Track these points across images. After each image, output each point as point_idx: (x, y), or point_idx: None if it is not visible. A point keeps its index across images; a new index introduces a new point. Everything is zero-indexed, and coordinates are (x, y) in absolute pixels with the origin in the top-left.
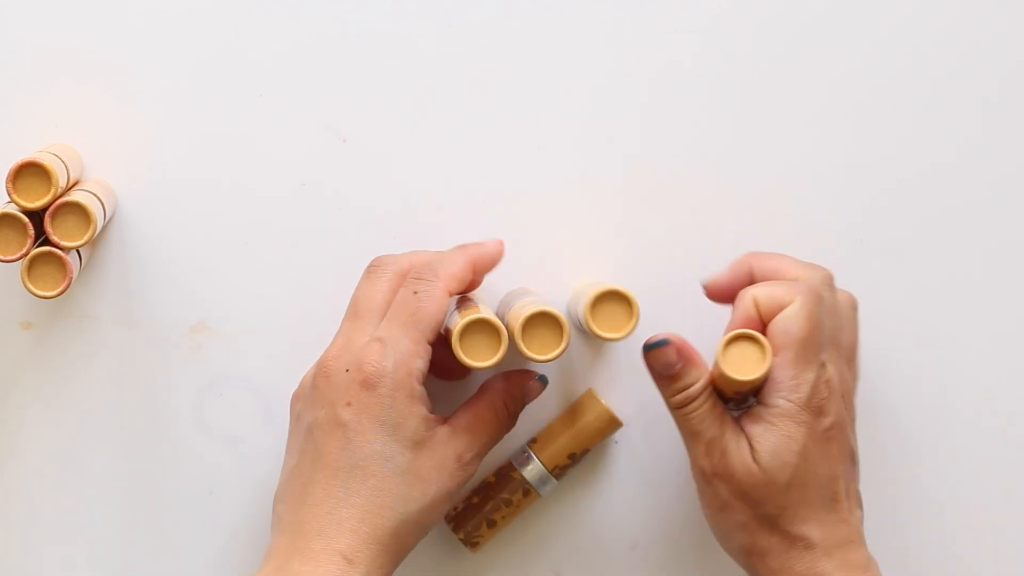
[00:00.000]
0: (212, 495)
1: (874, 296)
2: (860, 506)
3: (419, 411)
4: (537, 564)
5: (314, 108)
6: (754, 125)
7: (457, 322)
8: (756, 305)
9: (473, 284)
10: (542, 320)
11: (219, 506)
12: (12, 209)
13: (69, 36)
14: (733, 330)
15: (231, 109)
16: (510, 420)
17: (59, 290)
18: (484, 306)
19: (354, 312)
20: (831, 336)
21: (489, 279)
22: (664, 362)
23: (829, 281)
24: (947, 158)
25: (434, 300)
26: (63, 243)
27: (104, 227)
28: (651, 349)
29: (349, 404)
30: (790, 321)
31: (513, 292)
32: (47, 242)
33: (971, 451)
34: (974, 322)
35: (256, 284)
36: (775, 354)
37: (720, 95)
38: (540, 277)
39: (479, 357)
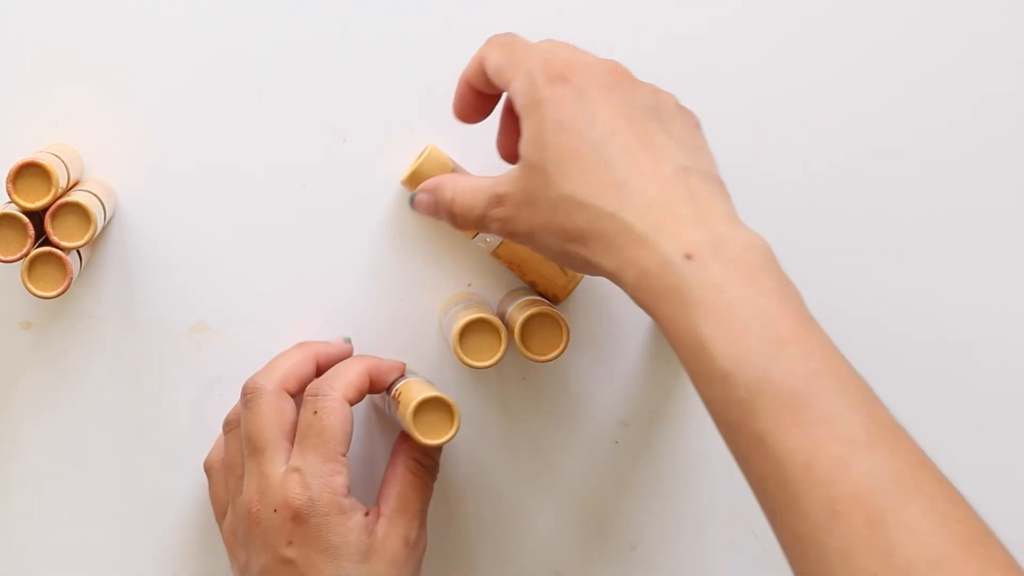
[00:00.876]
0: None
1: (874, 296)
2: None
3: (355, 523)
4: (537, 564)
5: (314, 108)
6: (755, 125)
7: (458, 322)
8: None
9: (374, 389)
10: (542, 320)
11: None
12: (12, 209)
13: (69, 36)
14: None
15: (231, 109)
16: (433, 470)
17: (59, 290)
18: (420, 381)
19: (253, 448)
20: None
21: (489, 280)
22: (425, 214)
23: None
24: (948, 158)
25: (337, 415)
26: (63, 243)
27: (104, 227)
28: (413, 207)
29: (290, 543)
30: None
31: (513, 292)
32: (47, 242)
33: (972, 451)
34: (974, 322)
35: (256, 284)
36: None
37: (720, 95)
38: None
39: (479, 357)
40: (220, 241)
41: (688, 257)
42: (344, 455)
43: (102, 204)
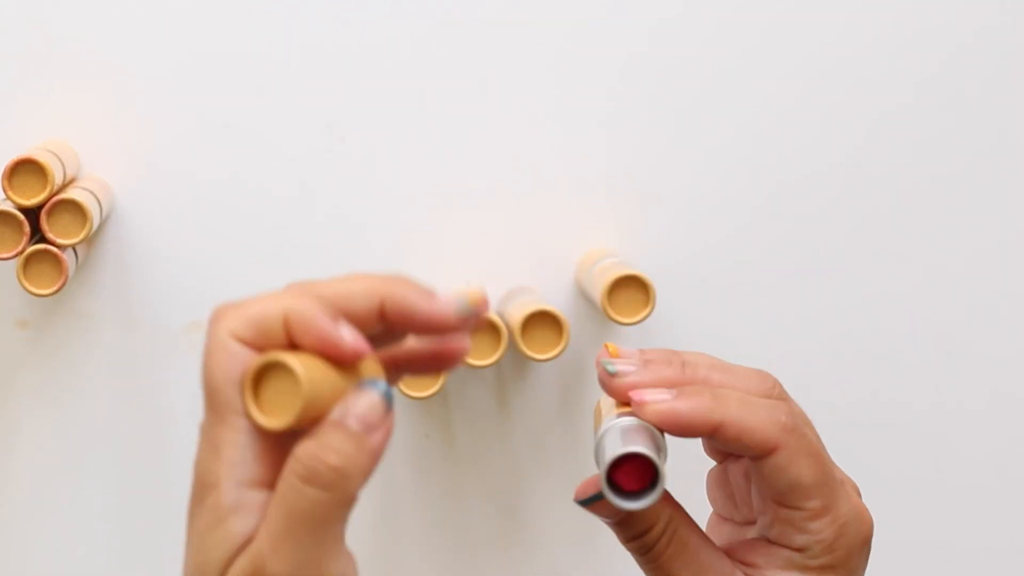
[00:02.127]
0: None
1: (874, 296)
2: None
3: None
4: (538, 564)
5: (313, 107)
6: (755, 125)
7: None
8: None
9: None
10: (542, 319)
11: None
12: (8, 206)
13: (66, 34)
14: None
15: (229, 108)
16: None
17: (55, 288)
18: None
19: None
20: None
21: (489, 278)
22: (605, 514)
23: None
24: (948, 157)
25: (212, 356)
26: (59, 241)
27: (100, 225)
28: (587, 505)
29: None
30: (789, 472)
31: (512, 291)
32: (43, 240)
33: (972, 452)
34: (975, 322)
35: (253, 283)
36: (787, 504)
37: (721, 94)
38: (540, 276)
39: (480, 356)
40: (217, 239)
41: None
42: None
43: (98, 201)
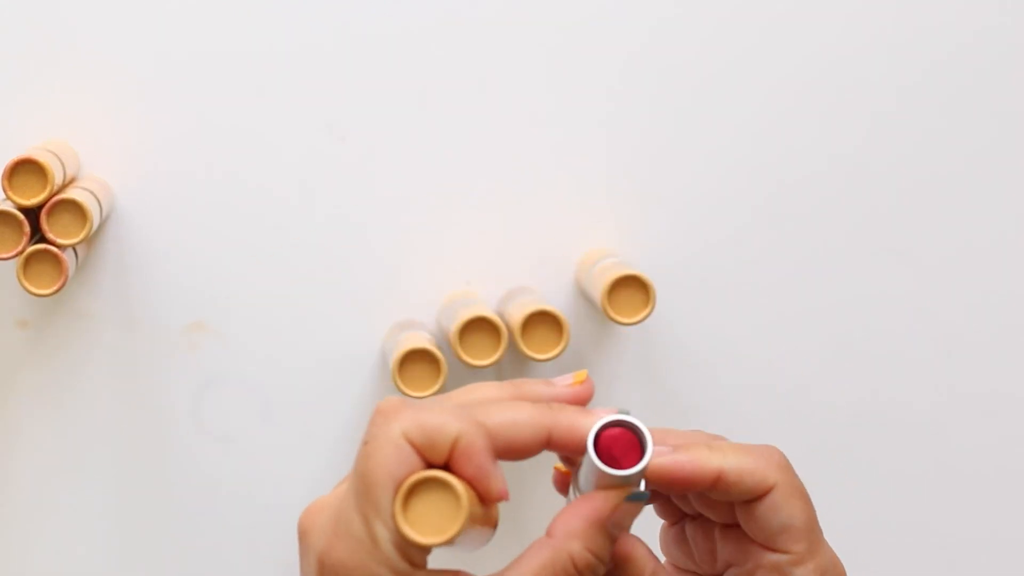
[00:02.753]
0: (208, 493)
1: (874, 296)
2: None
3: None
4: None
5: (313, 107)
6: (755, 125)
7: (457, 320)
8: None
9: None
10: (542, 319)
11: (215, 504)
12: (8, 206)
13: (66, 33)
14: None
15: (229, 107)
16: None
17: (55, 288)
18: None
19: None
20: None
21: (488, 278)
22: (627, 524)
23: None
24: (948, 157)
25: (380, 453)
26: (59, 240)
27: (101, 225)
28: (632, 501)
29: None
30: (782, 511)
31: (512, 291)
32: (43, 239)
33: (972, 452)
34: (975, 322)
35: (253, 283)
36: (775, 548)
37: (721, 94)
38: (541, 276)
39: (479, 356)
40: (217, 239)
41: None
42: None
43: (98, 201)
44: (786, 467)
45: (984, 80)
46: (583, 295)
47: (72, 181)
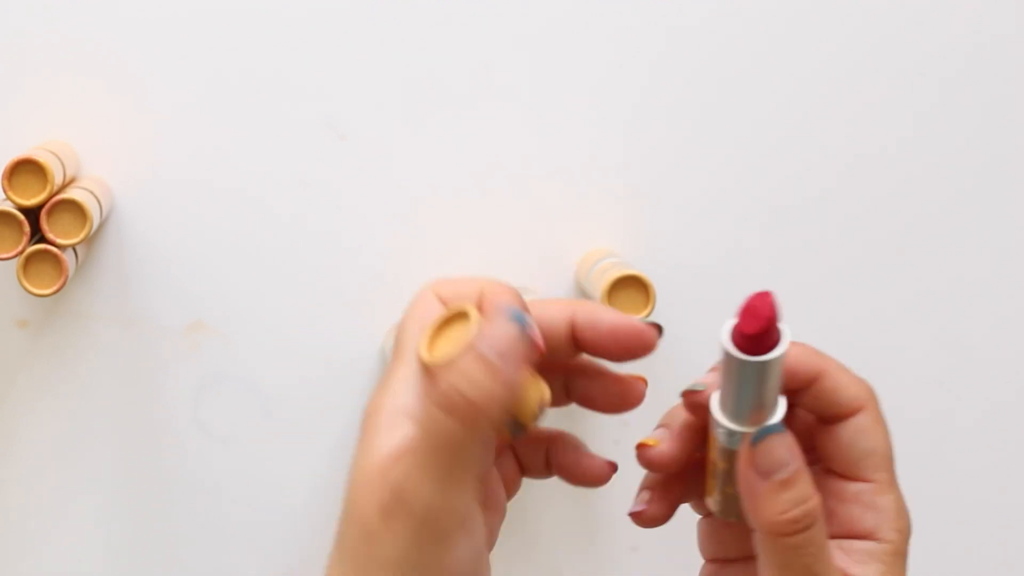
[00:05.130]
0: (209, 493)
1: (874, 296)
2: None
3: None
4: (537, 564)
5: (313, 106)
6: (755, 125)
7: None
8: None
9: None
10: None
11: (216, 504)
12: (8, 206)
13: (67, 33)
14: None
15: (228, 107)
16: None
17: (55, 288)
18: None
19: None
20: None
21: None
22: (775, 459)
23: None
24: (949, 157)
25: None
26: (59, 241)
27: (100, 225)
28: (760, 440)
29: None
30: (870, 435)
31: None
32: (43, 240)
33: (972, 452)
34: (975, 322)
35: (254, 282)
36: (857, 476)
37: (721, 94)
38: (540, 276)
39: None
40: (217, 239)
41: None
42: (413, 356)
43: (98, 201)
44: (877, 398)
45: (994, 84)
46: (583, 295)
47: (72, 181)
